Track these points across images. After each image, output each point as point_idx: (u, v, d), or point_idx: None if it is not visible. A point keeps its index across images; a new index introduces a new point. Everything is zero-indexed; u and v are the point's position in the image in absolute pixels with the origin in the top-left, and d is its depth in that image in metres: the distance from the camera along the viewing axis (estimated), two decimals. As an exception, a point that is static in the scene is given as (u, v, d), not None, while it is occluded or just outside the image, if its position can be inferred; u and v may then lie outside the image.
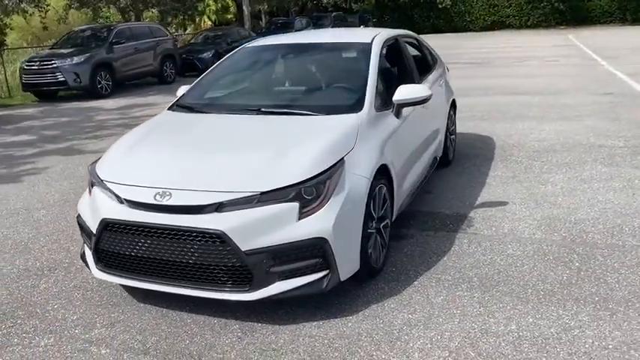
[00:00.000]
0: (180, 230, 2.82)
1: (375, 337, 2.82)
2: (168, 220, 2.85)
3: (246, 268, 2.79)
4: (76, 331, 3.03)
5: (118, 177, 3.13)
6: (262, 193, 2.83)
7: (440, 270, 3.52)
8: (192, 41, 20.10)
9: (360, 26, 28.84)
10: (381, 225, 3.49)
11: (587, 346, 2.66)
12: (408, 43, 5.22)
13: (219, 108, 3.90)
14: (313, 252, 2.85)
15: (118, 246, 3.01)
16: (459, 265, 3.58)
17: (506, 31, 34.53)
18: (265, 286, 2.82)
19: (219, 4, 38.96)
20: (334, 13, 30.40)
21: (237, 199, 2.82)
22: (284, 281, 2.85)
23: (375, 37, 4.25)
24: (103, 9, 21.82)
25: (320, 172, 2.92)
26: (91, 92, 13.36)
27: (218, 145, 3.35)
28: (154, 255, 2.92)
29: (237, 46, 4.71)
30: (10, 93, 15.18)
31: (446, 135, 5.52)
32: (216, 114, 3.82)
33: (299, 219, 2.84)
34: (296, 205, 2.84)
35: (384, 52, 4.36)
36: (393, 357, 2.66)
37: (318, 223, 2.84)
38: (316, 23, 27.81)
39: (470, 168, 5.72)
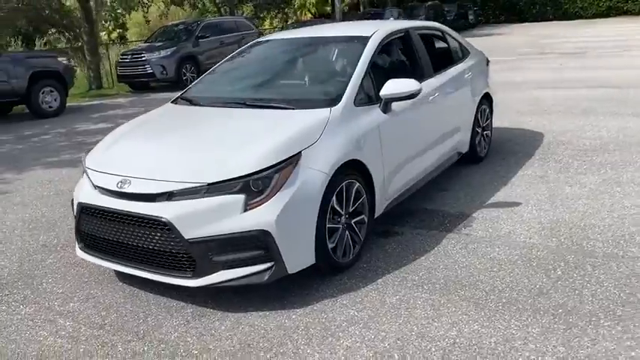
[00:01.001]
0: (134, 216, 3.01)
1: (310, 332, 2.84)
2: (126, 207, 3.05)
3: (190, 255, 2.92)
4: (55, 303, 3.34)
5: (96, 164, 3.39)
6: (209, 184, 2.94)
7: (410, 269, 3.44)
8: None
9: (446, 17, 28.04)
10: (354, 221, 3.48)
11: None
12: (427, 35, 5.07)
13: (211, 101, 4.05)
14: (256, 244, 2.92)
15: (92, 228, 3.27)
16: (432, 265, 3.48)
17: (623, 17, 31.76)
18: (209, 274, 2.94)
19: (320, -4, 39.47)
20: (429, 3, 29.61)
21: (186, 189, 2.95)
22: (227, 270, 2.95)
23: (377, 31, 4.19)
24: (199, 5, 22.89)
25: (268, 165, 2.98)
26: (177, 84, 14.17)
27: (188, 137, 3.50)
28: (117, 238, 3.14)
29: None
30: (113, 84, 16.48)
31: (474, 131, 5.30)
32: (206, 107, 3.98)
33: (244, 211, 2.92)
34: (242, 197, 2.92)
35: (385, 46, 4.29)
36: (318, 352, 2.67)
37: (262, 216, 2.91)
38: (411, 14, 27.36)
39: (500, 166, 5.45)
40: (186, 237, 2.88)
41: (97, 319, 3.12)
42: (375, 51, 4.01)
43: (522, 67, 13.21)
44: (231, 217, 2.90)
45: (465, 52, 5.41)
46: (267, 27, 25.21)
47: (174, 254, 2.96)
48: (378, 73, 4.10)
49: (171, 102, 4.28)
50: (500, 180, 5.04)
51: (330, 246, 3.27)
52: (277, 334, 2.84)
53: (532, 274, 3.28)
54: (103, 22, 27.56)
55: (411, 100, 3.89)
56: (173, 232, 2.89)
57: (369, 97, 3.80)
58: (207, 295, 3.22)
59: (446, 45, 5.18)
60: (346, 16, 29.56)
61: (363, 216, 3.58)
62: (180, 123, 3.81)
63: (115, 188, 3.11)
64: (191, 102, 4.14)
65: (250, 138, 3.23)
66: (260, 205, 2.93)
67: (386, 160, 3.77)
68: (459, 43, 5.38)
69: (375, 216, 3.81)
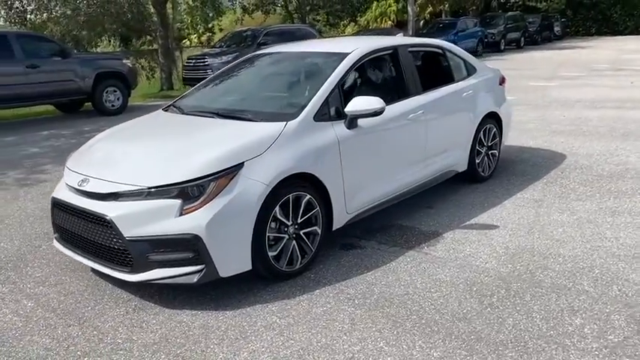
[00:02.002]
0: (87, 212, 3.32)
1: (228, 333, 3.01)
2: (82, 203, 3.36)
3: (128, 252, 3.18)
4: (28, 285, 3.72)
5: (72, 163, 3.75)
6: (149, 188, 3.19)
7: (351, 283, 3.52)
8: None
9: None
10: (303, 231, 3.61)
11: (403, 380, 2.55)
12: (423, 53, 5.10)
13: (193, 109, 4.30)
14: (188, 246, 3.13)
15: (60, 221, 3.63)
16: (374, 281, 3.54)
17: None
18: (145, 271, 3.18)
19: (401, 4, 39.34)
20: (509, 13, 28.71)
21: (130, 191, 3.22)
22: (162, 269, 3.18)
23: (356, 49, 4.29)
24: (270, 13, 23.59)
25: (206, 174, 3.18)
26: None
27: (154, 142, 3.77)
28: (76, 231, 3.47)
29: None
30: (183, 86, 17.37)
31: (474, 150, 5.24)
32: (186, 115, 4.23)
33: (180, 215, 3.14)
34: (178, 202, 3.15)
35: (366, 63, 4.38)
36: (223, 353, 2.84)
37: (194, 221, 3.11)
38: (489, 23, 26.68)
39: (501, 187, 5.35)
40: (125, 235, 3.14)
41: (54, 303, 3.45)
42: (348, 68, 4.10)
43: (588, 84, 12.63)
44: (167, 220, 3.13)
45: (470, 71, 5.35)
46: (338, 34, 25.51)
47: (116, 250, 3.23)
48: (353, 89, 4.19)
49: (163, 109, 4.59)
50: (492, 201, 4.96)
51: (271, 254, 3.42)
52: (197, 332, 3.03)
53: (466, 298, 3.27)
54: (194, 25, 29.14)
55: (387, 116, 4.01)
56: (114, 230, 3.16)
57: (337, 112, 3.90)
58: (157, 290, 3.47)
59: (444, 63, 5.16)
60: (425, 25, 29.35)
61: (315, 227, 3.70)
62: (156, 129, 4.10)
63: (76, 186, 3.44)
64: (178, 109, 4.42)
65: (202, 147, 3.45)
66: (194, 210, 3.14)
67: (348, 175, 3.86)
68: (464, 62, 5.34)
69: (334, 228, 3.91)
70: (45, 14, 16.74)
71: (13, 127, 10.74)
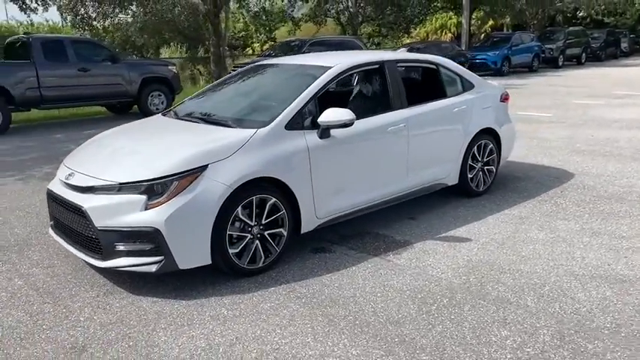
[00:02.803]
0: (69, 203, 3.71)
1: (176, 320, 3.29)
2: (66, 195, 3.75)
3: (99, 241, 3.53)
4: (24, 266, 4.15)
5: (67, 159, 4.17)
6: (120, 184, 3.53)
7: (307, 284, 3.73)
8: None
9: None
10: (268, 232, 3.86)
11: (313, 371, 2.75)
12: (414, 68, 5.25)
13: (185, 114, 4.64)
14: (149, 239, 3.44)
15: (52, 210, 4.04)
16: (329, 283, 3.73)
17: None
18: (112, 259, 3.52)
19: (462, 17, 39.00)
20: (570, 28, 27.86)
21: (103, 185, 3.58)
22: (127, 258, 3.50)
23: (339, 63, 4.51)
24: (321, 24, 24.02)
25: (170, 174, 3.49)
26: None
27: (140, 143, 4.11)
28: (63, 220, 3.86)
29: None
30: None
31: (465, 165, 5.32)
32: (178, 120, 4.57)
33: (145, 209, 3.46)
34: (144, 197, 3.47)
35: (348, 77, 4.58)
36: (165, 337, 3.11)
37: (155, 216, 3.42)
38: (548, 38, 26.03)
39: (492, 202, 5.39)
40: (96, 225, 3.49)
41: (40, 283, 3.85)
42: (327, 82, 4.32)
43: (634, 105, 12.23)
44: (133, 213, 3.46)
45: (466, 87, 5.44)
46: (394, 46, 25.65)
47: (90, 238, 3.59)
48: (333, 101, 4.41)
49: (162, 113, 4.96)
50: (476, 216, 5.02)
51: (232, 251, 3.68)
52: (150, 317, 3.33)
53: (407, 304, 3.40)
54: (258, 34, 30.08)
55: (364, 128, 4.29)
56: (88, 219, 3.52)
57: (313, 122, 4.13)
58: (129, 277, 3.80)
59: (436, 79, 5.27)
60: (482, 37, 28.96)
61: (281, 229, 3.93)
62: (146, 132, 4.46)
63: (64, 179, 3.83)
64: (174, 114, 4.78)
65: (175, 149, 3.76)
66: (157, 206, 3.45)
67: (318, 182, 4.07)
68: (460, 78, 5.43)
69: (303, 232, 4.13)
70: (107, 21, 17.84)
71: (64, 126, 11.57)
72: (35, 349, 3.01)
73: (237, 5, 20.35)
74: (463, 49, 24.12)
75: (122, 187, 3.53)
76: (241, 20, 24.40)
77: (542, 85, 17.71)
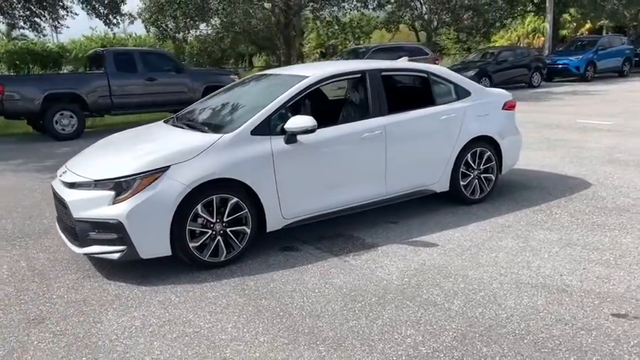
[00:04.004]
0: (59, 197, 4.27)
1: (128, 302, 3.71)
2: (58, 189, 4.32)
3: (75, 229, 4.05)
4: (34, 251, 4.77)
5: (69, 160, 4.75)
6: (95, 181, 4.03)
7: (258, 278, 4.01)
8: (466, 60, 20.53)
9: None
10: (231, 229, 4.20)
11: None
12: (400, 76, 5.38)
13: (178, 121, 5.10)
14: (114, 230, 3.90)
15: (55, 204, 4.64)
16: (278, 278, 3.99)
17: None
18: (87, 246, 4.02)
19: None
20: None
21: (82, 182, 4.10)
22: (97, 246, 3.99)
23: (315, 73, 4.77)
24: (392, 31, 24.03)
25: (134, 173, 3.93)
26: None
27: (128, 146, 4.57)
28: (58, 212, 4.44)
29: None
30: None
31: (457, 172, 5.37)
32: (171, 126, 5.03)
33: (113, 204, 3.94)
34: (112, 193, 3.94)
35: (323, 87, 4.84)
36: (110, 315, 3.54)
37: (119, 210, 3.88)
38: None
39: (484, 210, 5.39)
40: (74, 216, 4.02)
41: (39, 266, 4.44)
42: (300, 91, 4.58)
43: None
44: (102, 206, 3.93)
45: (460, 94, 5.47)
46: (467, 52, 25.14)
47: (71, 227, 4.12)
48: (308, 109, 4.68)
49: (164, 121, 5.45)
50: (459, 223, 5.06)
51: (192, 245, 4.06)
52: (108, 298, 3.78)
53: (337, 301, 3.60)
54: (347, 41, 30.73)
55: (334, 134, 4.57)
56: (69, 210, 4.05)
57: (282, 129, 4.42)
58: (109, 263, 4.27)
59: (425, 87, 5.36)
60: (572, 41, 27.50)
61: (244, 227, 4.26)
62: (142, 137, 4.94)
63: (59, 177, 4.41)
64: (174, 120, 5.26)
65: (148, 151, 4.21)
66: (122, 201, 3.91)
67: (283, 184, 4.36)
68: (454, 86, 5.47)
69: (269, 230, 4.43)
70: (190, 32, 19.12)
71: (133, 130, 12.61)
72: (6, 318, 3.55)
73: (312, 16, 20.95)
74: (546, 53, 23.17)
75: (97, 184, 4.02)
76: (317, 29, 24.99)
77: (625, 92, 16.69)
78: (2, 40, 34.34)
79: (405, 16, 22.77)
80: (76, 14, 15.69)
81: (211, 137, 4.25)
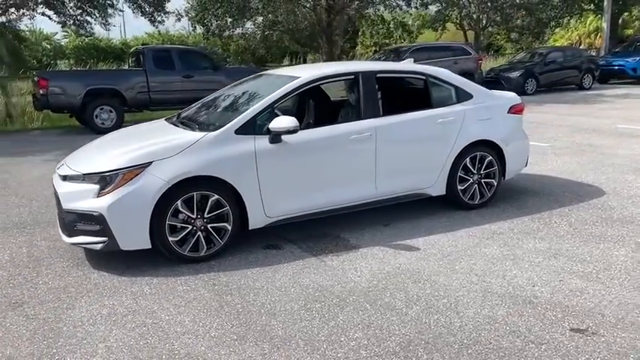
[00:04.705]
0: (54, 189, 4.51)
1: (104, 291, 3.88)
2: (55, 182, 4.57)
3: (65, 220, 4.28)
4: (37, 238, 5.05)
5: (69, 155, 5.00)
6: (84, 174, 4.24)
7: (232, 274, 4.10)
8: (514, 60, 19.98)
9: None
10: (211, 225, 4.33)
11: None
12: (396, 78, 5.36)
13: (177, 119, 5.26)
14: (97, 221, 4.09)
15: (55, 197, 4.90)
16: (250, 275, 4.07)
17: None
18: (74, 236, 4.23)
19: (620, 18, 35.57)
20: None
21: (72, 175, 4.32)
22: (83, 236, 4.20)
23: (305, 75, 4.82)
24: (439, 30, 23.62)
25: (117, 168, 4.10)
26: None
27: (122, 142, 4.74)
28: (56, 203, 4.69)
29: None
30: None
31: (454, 176, 5.30)
32: (169, 124, 5.19)
33: (97, 196, 4.13)
34: (97, 186, 4.13)
35: (313, 88, 4.88)
36: (83, 301, 3.73)
37: (101, 202, 4.07)
38: None
39: (482, 216, 5.28)
40: (63, 207, 4.24)
41: (38, 253, 4.70)
42: (288, 92, 4.65)
43: None
44: (88, 199, 4.13)
45: (461, 97, 5.38)
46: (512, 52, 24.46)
47: (61, 217, 4.35)
48: (297, 110, 4.74)
49: (165, 119, 5.61)
50: (451, 228, 4.99)
51: (172, 239, 4.20)
52: (87, 286, 3.97)
53: (295, 300, 3.64)
54: (402, 40, 30.64)
55: (321, 135, 4.64)
56: (59, 202, 4.28)
57: (268, 129, 4.50)
58: (98, 253, 4.48)
59: (422, 89, 5.30)
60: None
61: (224, 224, 4.37)
62: (138, 134, 5.13)
63: (56, 169, 4.66)
64: (174, 118, 5.43)
65: (136, 148, 4.37)
66: (105, 194, 4.09)
67: (266, 184, 4.44)
68: (455, 88, 5.38)
69: (251, 228, 4.52)
70: (234, 30, 19.51)
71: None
72: (-9, 301, 3.80)
73: (358, 15, 20.93)
74: (602, 54, 22.19)
75: (85, 177, 4.22)
76: (364, 28, 24.93)
77: (681, 96, 15.80)
78: (71, 37, 36.18)
79: (453, 14, 22.35)
80: (121, 11, 16.33)
81: (195, 135, 4.37)
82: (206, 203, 4.27)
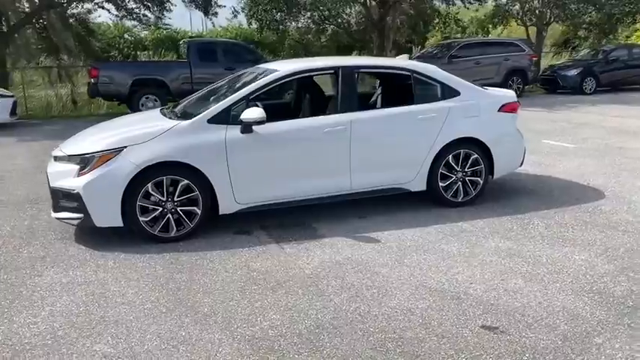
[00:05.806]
0: (47, 169, 4.96)
1: (71, 263, 4.24)
2: (49, 163, 5.02)
3: (52, 197, 4.70)
4: (43, 214, 5.54)
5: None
6: (68, 155, 4.65)
7: (192, 255, 4.35)
8: (576, 57, 19.09)
9: None
10: (181, 209, 4.62)
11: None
12: (378, 74, 5.41)
13: (167, 110, 5.58)
14: (74, 199, 4.48)
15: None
16: (208, 257, 4.30)
17: None
18: (59, 212, 4.65)
19: None
20: None
21: (60, 156, 4.73)
22: (65, 212, 4.60)
23: (282, 69, 5.00)
24: (497, 26, 22.87)
25: (94, 151, 4.47)
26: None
27: (109, 130, 5.09)
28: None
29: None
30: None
31: (435, 173, 5.31)
32: (158, 113, 5.48)
33: (77, 176, 4.52)
34: (77, 167, 4.52)
35: (290, 82, 5.06)
36: (48, 272, 4.11)
37: (79, 182, 4.44)
38: None
39: (463, 213, 5.25)
40: (51, 185, 4.66)
41: (37, 227, 5.16)
42: (266, 84, 4.84)
43: None
44: (69, 178, 4.52)
45: (446, 94, 5.36)
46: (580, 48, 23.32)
47: (51, 194, 4.78)
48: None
49: (159, 109, 5.92)
50: (423, 223, 5.00)
51: (142, 219, 4.52)
52: (62, 258, 4.34)
53: (236, 282, 3.84)
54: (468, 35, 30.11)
55: (292, 127, 4.84)
56: (49, 180, 4.71)
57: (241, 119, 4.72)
58: (85, 229, 4.87)
59: (406, 86, 5.33)
60: None
61: (194, 208, 4.64)
62: (129, 122, 5.47)
63: (51, 152, 5.11)
64: (167, 108, 5.76)
65: (117, 133, 4.73)
66: (83, 175, 4.47)
67: (236, 171, 4.66)
68: (440, 85, 5.37)
69: (222, 213, 4.78)
70: (288, 25, 19.88)
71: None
72: (-23, 265, 4.26)
73: (412, 11, 20.74)
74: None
75: (69, 158, 4.62)
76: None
77: None
78: (150, 29, 38.02)
79: (513, 9, 21.62)
80: (174, 5, 17.06)
81: (169, 124, 4.67)
82: (176, 187, 4.54)
